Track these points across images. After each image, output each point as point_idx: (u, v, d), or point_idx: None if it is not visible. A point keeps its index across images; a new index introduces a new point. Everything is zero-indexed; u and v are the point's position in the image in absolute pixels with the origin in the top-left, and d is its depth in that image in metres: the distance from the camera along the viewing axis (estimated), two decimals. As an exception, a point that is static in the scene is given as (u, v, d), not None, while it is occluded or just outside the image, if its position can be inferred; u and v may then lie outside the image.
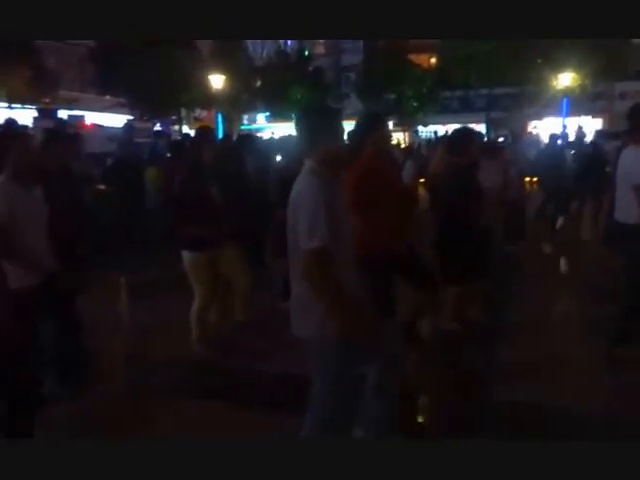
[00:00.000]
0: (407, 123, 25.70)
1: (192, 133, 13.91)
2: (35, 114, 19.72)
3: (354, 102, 24.84)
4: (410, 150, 13.85)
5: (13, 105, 21.80)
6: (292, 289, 2.47)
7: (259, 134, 16.92)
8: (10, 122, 8.30)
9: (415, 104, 24.62)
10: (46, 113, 19.31)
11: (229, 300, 4.51)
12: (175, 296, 4.93)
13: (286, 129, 22.67)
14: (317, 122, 2.46)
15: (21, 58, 21.52)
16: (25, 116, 20.54)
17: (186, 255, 4.07)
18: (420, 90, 24.50)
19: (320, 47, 28.69)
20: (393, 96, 24.50)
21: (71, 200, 3.85)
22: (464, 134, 4.61)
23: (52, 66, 24.46)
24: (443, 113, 25.14)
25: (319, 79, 25.12)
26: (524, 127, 23.60)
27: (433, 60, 25.74)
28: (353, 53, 26.84)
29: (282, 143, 8.76)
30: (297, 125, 2.51)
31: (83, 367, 3.74)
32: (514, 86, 22.29)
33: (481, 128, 19.65)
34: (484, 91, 23.56)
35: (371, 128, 3.75)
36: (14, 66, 21.33)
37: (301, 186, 2.39)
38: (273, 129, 25.20)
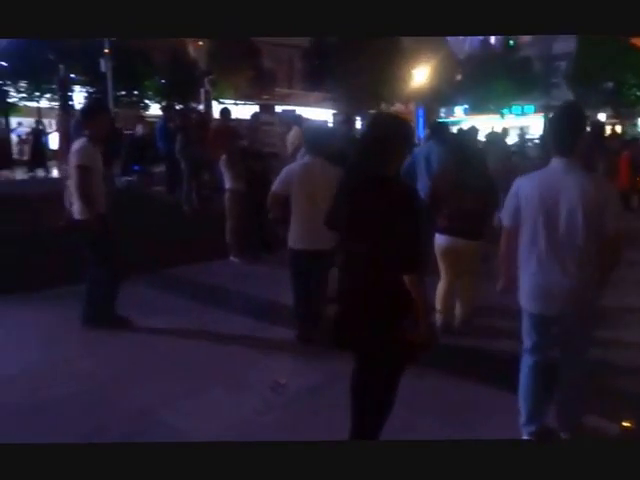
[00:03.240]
0: (624, 114, 23.13)
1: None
2: (256, 109, 22.50)
3: (563, 92, 23.13)
4: (627, 142, 12.61)
5: (238, 102, 25.11)
6: (564, 272, 2.58)
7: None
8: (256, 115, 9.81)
9: (638, 93, 22.01)
10: (265, 108, 21.86)
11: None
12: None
13: (484, 122, 22.17)
14: (575, 122, 2.62)
15: (245, 60, 24.62)
16: (247, 111, 23.55)
17: (437, 238, 4.25)
18: (645, 77, 21.85)
19: (527, 36, 27.19)
20: (610, 85, 22.24)
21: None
22: None
23: (269, 66, 27.46)
24: (672, 103, 22.07)
25: (525, 69, 23.94)
26: None
27: (663, 42, 22.63)
28: (565, 40, 24.93)
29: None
30: (555, 124, 2.66)
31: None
32: None
33: None
34: None
35: None
36: (240, 68, 24.50)
37: (579, 181, 2.53)
38: (471, 122, 24.80)
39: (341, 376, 2.69)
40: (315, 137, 4.11)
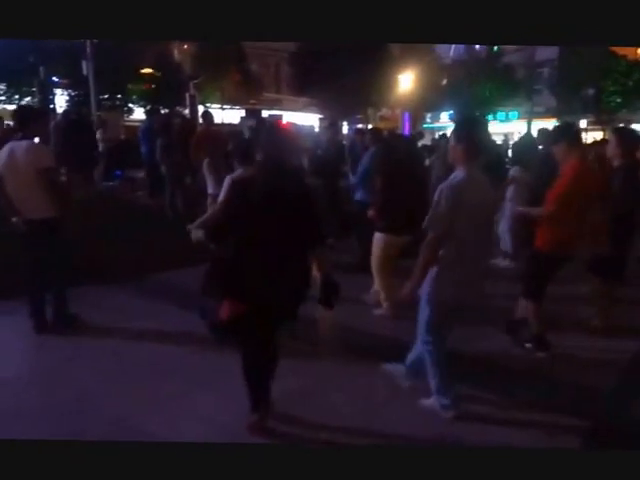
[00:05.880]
0: (606, 121, 23.42)
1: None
2: (242, 114, 22.36)
3: (545, 99, 23.42)
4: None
5: (224, 106, 24.98)
6: None
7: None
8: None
9: (618, 100, 22.33)
10: (252, 113, 21.73)
11: None
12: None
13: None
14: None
15: (232, 64, 24.49)
16: (234, 116, 23.42)
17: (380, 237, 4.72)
18: (625, 84, 22.17)
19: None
20: (591, 91, 22.55)
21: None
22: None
23: (256, 70, 27.39)
24: (651, 110, 22.39)
25: (509, 75, 24.16)
26: None
27: (641, 51, 23.06)
28: (547, 48, 25.20)
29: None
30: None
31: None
32: None
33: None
34: None
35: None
36: (226, 72, 24.37)
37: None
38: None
39: (332, 378, 2.98)
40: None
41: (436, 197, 2.89)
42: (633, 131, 4.68)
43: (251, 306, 2.63)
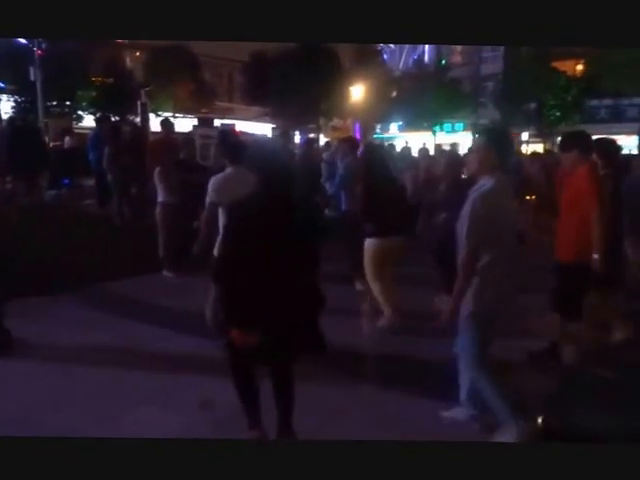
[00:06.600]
0: (547, 134, 24.67)
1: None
2: (195, 123, 22.21)
3: (489, 112, 24.46)
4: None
5: (176, 115, 24.73)
6: None
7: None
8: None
9: (558, 114, 23.56)
10: (204, 122, 21.63)
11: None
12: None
13: (419, 138, 23.01)
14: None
15: (184, 73, 24.34)
16: (186, 125, 23.21)
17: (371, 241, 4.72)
18: (564, 99, 23.43)
19: (458, 56, 28.61)
20: (533, 105, 23.72)
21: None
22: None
23: (209, 79, 27.31)
24: (589, 123, 23.71)
25: (456, 88, 25.12)
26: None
27: (580, 67, 24.47)
28: (492, 62, 26.43)
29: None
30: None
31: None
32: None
33: (633, 140, 18.38)
34: (638, 100, 21.95)
35: None
36: (178, 80, 24.20)
37: None
38: (406, 138, 25.62)
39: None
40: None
41: (469, 209, 2.75)
42: (610, 141, 4.68)
43: (255, 331, 2.50)
